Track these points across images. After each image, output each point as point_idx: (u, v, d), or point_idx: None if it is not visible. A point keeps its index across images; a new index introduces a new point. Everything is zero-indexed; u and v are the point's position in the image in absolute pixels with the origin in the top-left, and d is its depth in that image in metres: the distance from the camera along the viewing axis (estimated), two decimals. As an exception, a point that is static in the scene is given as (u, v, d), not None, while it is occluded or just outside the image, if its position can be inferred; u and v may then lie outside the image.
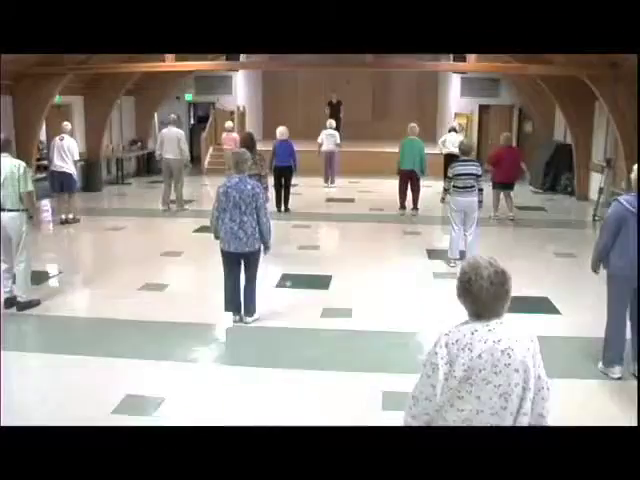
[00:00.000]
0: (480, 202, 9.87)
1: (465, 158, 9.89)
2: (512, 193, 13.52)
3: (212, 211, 7.26)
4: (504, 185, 13.26)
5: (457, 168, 9.65)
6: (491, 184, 13.42)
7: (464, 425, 2.88)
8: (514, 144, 18.77)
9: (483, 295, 2.84)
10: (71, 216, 12.94)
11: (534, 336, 3.01)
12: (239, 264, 7.30)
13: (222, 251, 7.24)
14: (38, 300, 7.86)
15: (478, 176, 9.70)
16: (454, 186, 9.63)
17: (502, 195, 13.41)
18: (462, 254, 9.72)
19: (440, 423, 2.93)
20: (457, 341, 2.86)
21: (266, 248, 7.31)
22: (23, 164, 7.56)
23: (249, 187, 7.04)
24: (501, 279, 2.86)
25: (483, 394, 2.85)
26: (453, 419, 2.89)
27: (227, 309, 7.38)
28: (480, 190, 9.77)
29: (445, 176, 10.48)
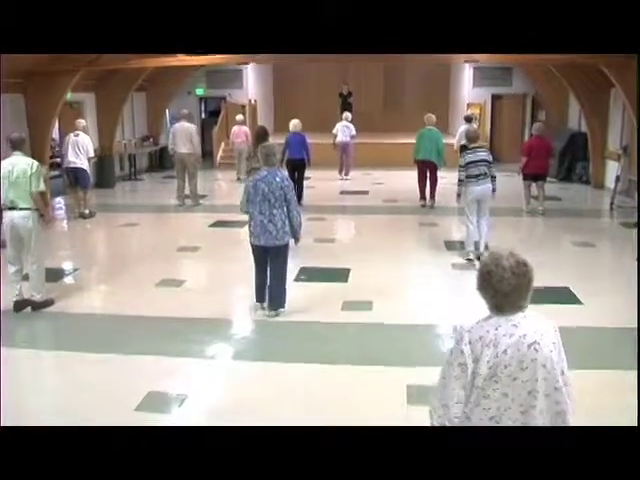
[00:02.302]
0: (494, 190, 9.74)
1: (473, 145, 9.81)
2: (545, 185, 13.24)
3: (241, 200, 7.24)
4: (535, 176, 12.93)
5: (468, 156, 9.54)
6: (521, 176, 13.21)
7: (491, 423, 2.81)
8: (526, 133, 18.73)
9: (504, 286, 2.76)
10: (87, 211, 12.97)
11: (557, 329, 2.94)
12: (267, 258, 7.26)
13: (252, 245, 7.23)
14: (52, 300, 7.77)
15: (490, 162, 9.59)
16: (468, 175, 9.51)
17: (534, 186, 13.12)
18: (476, 244, 9.66)
19: (465, 425, 2.85)
20: (481, 338, 2.79)
21: (296, 240, 7.33)
22: (36, 163, 7.46)
23: (278, 179, 7.02)
24: (522, 270, 2.79)
25: (511, 391, 2.78)
26: (480, 418, 2.82)
27: (258, 300, 7.41)
28: (493, 177, 9.63)
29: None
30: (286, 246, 7.23)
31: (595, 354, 6.31)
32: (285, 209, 7.03)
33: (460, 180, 9.66)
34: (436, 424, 2.90)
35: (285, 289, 7.41)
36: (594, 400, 5.35)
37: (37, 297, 7.56)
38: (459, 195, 9.85)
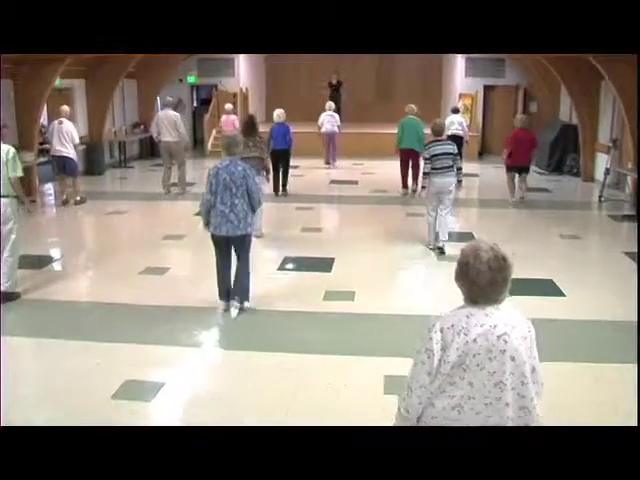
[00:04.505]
0: (459, 182, 9.85)
1: (439, 138, 9.78)
2: (527, 177, 13.28)
3: (203, 195, 7.16)
4: (519, 168, 12.99)
5: (433, 148, 9.52)
6: (505, 168, 13.28)
7: (454, 412, 2.81)
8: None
9: (480, 280, 2.77)
10: (78, 198, 12.91)
11: (531, 326, 2.92)
12: (230, 250, 7.16)
13: (212, 236, 7.09)
14: (19, 294, 7.55)
15: (455, 155, 9.60)
16: (432, 167, 9.48)
17: (517, 178, 13.17)
18: (436, 235, 9.65)
19: (428, 410, 2.86)
20: (452, 326, 2.80)
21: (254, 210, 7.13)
22: (12, 149, 7.42)
23: (239, 169, 6.94)
24: (500, 265, 2.78)
25: (476, 380, 2.78)
26: (443, 406, 2.82)
27: (222, 298, 7.24)
28: (459, 169, 9.66)
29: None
30: (249, 236, 7.14)
31: (577, 347, 6.31)
32: (247, 199, 6.94)
33: (425, 173, 9.66)
34: (401, 407, 2.92)
35: (249, 281, 7.25)
36: (576, 393, 5.38)
37: (6, 285, 7.38)
38: (424, 187, 9.92)
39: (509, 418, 2.81)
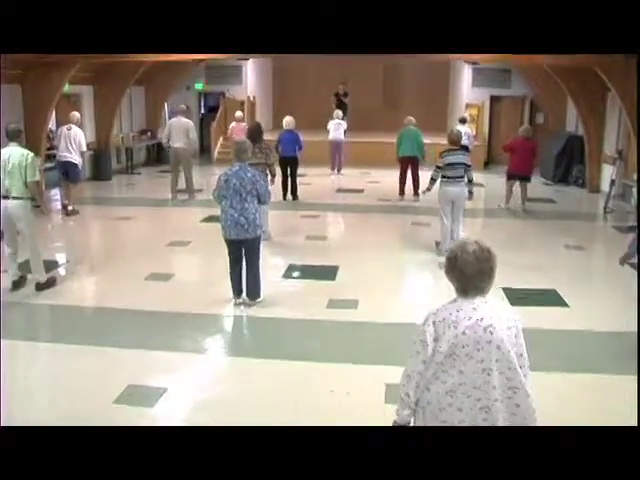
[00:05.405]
0: (470, 193, 9.93)
1: (454, 147, 9.86)
2: (528, 185, 13.41)
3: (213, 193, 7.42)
4: (519, 176, 13.20)
5: (447, 157, 9.63)
6: (505, 176, 13.46)
7: (447, 396, 3.08)
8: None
9: (468, 270, 3.05)
10: (70, 207, 12.81)
11: (518, 318, 3.19)
12: (241, 253, 7.39)
13: (225, 239, 7.38)
14: (54, 278, 8.18)
15: (468, 166, 9.69)
16: (444, 176, 9.62)
17: (518, 186, 13.30)
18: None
19: (425, 394, 3.15)
20: (443, 319, 3.09)
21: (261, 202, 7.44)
22: (31, 154, 7.71)
23: (249, 174, 7.18)
24: (486, 255, 3.07)
25: (466, 368, 3.05)
26: (437, 390, 3.10)
27: (234, 294, 7.53)
28: (470, 181, 9.78)
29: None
30: (258, 239, 7.43)
31: (579, 358, 6.31)
32: (256, 203, 7.22)
33: (432, 179, 9.77)
34: (402, 392, 3.21)
35: (260, 280, 7.56)
36: (577, 403, 5.37)
37: (40, 279, 7.92)
38: (428, 189, 10.02)
39: (496, 400, 3.06)
